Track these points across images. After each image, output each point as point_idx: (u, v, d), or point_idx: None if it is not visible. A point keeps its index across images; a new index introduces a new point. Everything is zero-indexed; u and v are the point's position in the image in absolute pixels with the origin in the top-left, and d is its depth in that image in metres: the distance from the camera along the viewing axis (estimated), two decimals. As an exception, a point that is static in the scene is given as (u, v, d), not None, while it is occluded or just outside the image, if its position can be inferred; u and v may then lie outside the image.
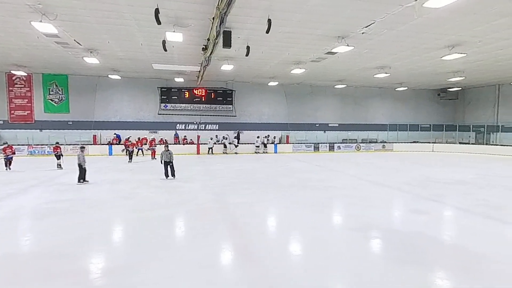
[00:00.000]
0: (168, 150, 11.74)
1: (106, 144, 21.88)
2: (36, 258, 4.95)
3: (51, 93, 21.93)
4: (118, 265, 4.68)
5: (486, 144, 25.05)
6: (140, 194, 9.31)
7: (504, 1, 8.85)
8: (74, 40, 12.93)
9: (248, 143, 24.05)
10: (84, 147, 11.98)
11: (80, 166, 10.95)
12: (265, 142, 23.99)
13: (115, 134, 22.40)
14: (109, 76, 21.18)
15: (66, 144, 20.33)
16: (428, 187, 10.59)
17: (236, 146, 23.35)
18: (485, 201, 8.66)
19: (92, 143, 22.09)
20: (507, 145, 23.15)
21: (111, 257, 5.03)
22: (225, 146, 23.06)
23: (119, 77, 21.58)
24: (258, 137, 23.87)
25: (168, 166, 11.64)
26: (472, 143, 25.91)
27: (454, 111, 29.61)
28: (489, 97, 26.35)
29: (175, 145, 22.97)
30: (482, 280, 4.24)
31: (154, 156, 19.12)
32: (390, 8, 9.27)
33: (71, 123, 22.36)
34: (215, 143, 23.08)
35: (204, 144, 23.24)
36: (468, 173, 13.74)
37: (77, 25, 11.18)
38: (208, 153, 22.56)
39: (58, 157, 14.58)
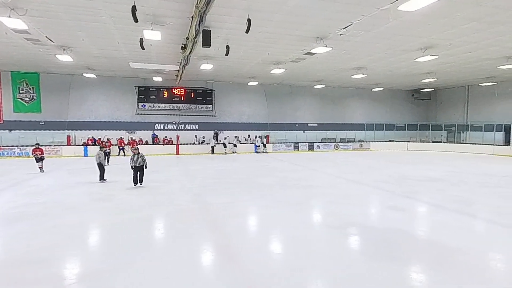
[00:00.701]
0: (139, 153, 10.39)
1: (81, 145, 21.12)
2: (7, 265, 4.70)
3: (21, 92, 20.91)
4: (94, 269, 4.53)
5: (457, 142, 26.22)
6: (117, 196, 9.07)
7: (472, 7, 9.28)
8: (46, 36, 12.40)
9: (228, 143, 23.94)
10: (103, 147, 12.46)
11: (100, 165, 11.28)
12: (260, 141, 24.51)
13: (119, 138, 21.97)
14: (84, 74, 20.46)
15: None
16: (403, 185, 10.96)
17: (235, 146, 23.66)
18: (457, 197, 9.07)
19: (66, 144, 21.26)
20: (476, 143, 24.33)
21: (87, 262, 4.86)
22: (225, 146, 23.25)
23: (95, 76, 20.90)
24: (258, 136, 24.70)
25: (138, 172, 10.32)
26: (444, 142, 27.06)
27: (427, 111, 30.79)
28: (459, 97, 27.60)
29: (153, 145, 22.59)
30: (453, 273, 4.43)
31: None
32: (367, 10, 9.50)
33: (43, 123, 21.42)
34: (216, 143, 23.24)
35: (184, 144, 23.05)
36: (441, 171, 14.32)
37: (48, 21, 10.73)
38: (211, 152, 22.73)
39: (40, 159, 13.26)
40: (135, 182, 10.32)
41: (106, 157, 16.36)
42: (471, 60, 16.48)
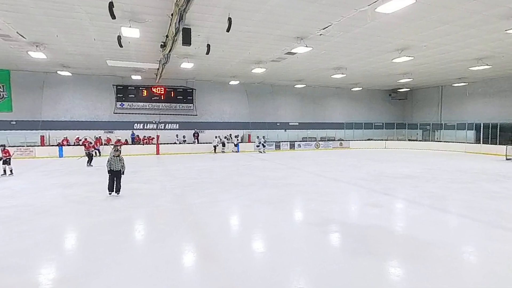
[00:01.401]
0: (119, 155, 8.84)
1: (55, 145, 20.35)
2: (-26, 272, 4.48)
3: (-10, 90, 19.95)
4: (71, 274, 4.39)
5: (432, 140, 27.27)
6: (94, 198, 8.79)
7: (444, 10, 9.65)
8: (17, 32, 11.86)
9: (209, 142, 23.81)
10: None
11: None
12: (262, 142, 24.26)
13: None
14: (58, 72, 19.71)
15: (9, 146, 18.57)
16: (381, 182, 11.26)
17: (235, 145, 23.97)
18: (431, 193, 9.41)
19: (39, 144, 20.43)
20: (449, 141, 25.37)
21: (63, 267, 4.70)
22: (223, 145, 23.49)
23: (70, 74, 20.18)
24: (257, 137, 24.46)
25: (115, 178, 8.78)
26: (419, 140, 28.07)
27: (403, 110, 31.79)
28: (434, 97, 28.67)
29: (133, 145, 22.10)
30: (429, 266, 4.60)
31: None
32: (346, 11, 9.69)
33: (14, 122, 20.49)
34: (219, 142, 23.29)
35: (165, 143, 22.73)
36: (416, 168, 14.82)
37: (20, 16, 10.26)
38: (215, 152, 22.88)
39: (6, 162, 12.37)
40: (111, 190, 8.77)
41: (90, 158, 15.59)
42: (444, 62, 17.14)
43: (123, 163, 8.89)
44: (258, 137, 24.46)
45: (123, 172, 8.89)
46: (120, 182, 8.85)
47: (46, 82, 20.99)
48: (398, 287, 4.10)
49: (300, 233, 6.22)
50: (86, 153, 15.90)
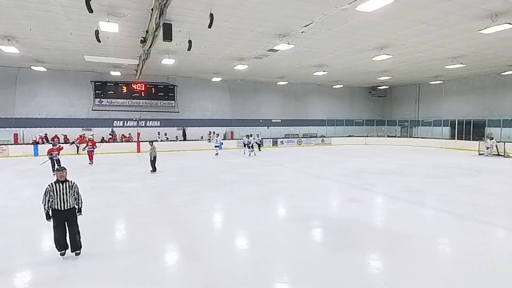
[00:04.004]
0: (67, 180, 4.89)
1: (30, 144, 19.55)
2: None
3: (-43, 85, 18.89)
4: (48, 277, 4.25)
5: (410, 136, 28.10)
6: (72, 197, 8.52)
7: (422, 10, 9.92)
8: (-14, 25, 11.28)
9: (194, 140, 23.54)
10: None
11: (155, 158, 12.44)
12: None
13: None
14: (32, 67, 18.88)
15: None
16: (361, 177, 11.51)
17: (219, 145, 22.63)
18: (408, 188, 9.72)
19: (13, 142, 19.57)
20: (426, 137, 26.24)
21: (39, 269, 4.54)
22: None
23: (45, 69, 19.38)
24: (247, 136, 20.87)
25: (66, 223, 4.82)
26: (398, 136, 28.85)
27: (383, 107, 32.57)
28: (411, 95, 29.52)
29: (112, 143, 21.55)
30: (406, 258, 4.76)
31: (92, 160, 15.35)
32: (327, 9, 9.79)
33: (-15, 120, 19.56)
34: (223, 139, 22.69)
35: (146, 141, 22.24)
36: (394, 163, 15.24)
37: (-11, 8, 9.76)
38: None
39: None
40: (61, 246, 4.77)
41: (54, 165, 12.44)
42: (421, 60, 17.65)
43: (77, 192, 4.89)
44: (248, 136, 20.60)
45: (79, 210, 4.93)
46: (76, 232, 4.82)
47: (19, 78, 20.09)
48: (378, 280, 4.23)
49: (283, 229, 6.28)
50: (48, 157, 12.63)
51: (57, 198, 4.70)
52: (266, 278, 4.20)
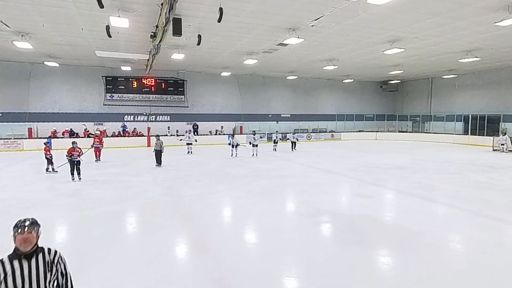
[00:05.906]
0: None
1: (45, 138, 19.94)
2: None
3: (-26, 81, 19.36)
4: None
5: (421, 132, 27.61)
6: (83, 191, 8.71)
7: (435, 2, 9.68)
8: (1, 21, 11.49)
9: (204, 134, 23.65)
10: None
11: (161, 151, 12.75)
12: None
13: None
14: (45, 63, 19.19)
15: (-4, 139, 18.23)
16: (371, 173, 11.41)
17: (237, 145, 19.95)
18: (419, 183, 9.59)
19: (27, 137, 20.03)
20: (438, 133, 25.76)
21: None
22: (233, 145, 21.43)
23: (57, 64, 19.68)
24: (253, 132, 19.45)
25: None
26: (409, 131, 28.41)
27: (394, 102, 32.05)
28: (424, 89, 28.95)
29: (124, 137, 21.83)
30: (417, 254, 4.71)
31: (99, 156, 14.78)
32: (338, 2, 9.63)
33: (0, 114, 20.01)
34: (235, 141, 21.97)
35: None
36: (405, 159, 15.04)
37: (4, 4, 9.92)
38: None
39: None
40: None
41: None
42: (434, 53, 17.26)
43: (62, 273, 2.38)
44: (254, 132, 19.29)
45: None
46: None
47: (33, 73, 20.47)
48: (387, 275, 4.20)
49: (292, 223, 6.29)
50: (68, 159, 10.49)
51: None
52: (275, 272, 4.23)
